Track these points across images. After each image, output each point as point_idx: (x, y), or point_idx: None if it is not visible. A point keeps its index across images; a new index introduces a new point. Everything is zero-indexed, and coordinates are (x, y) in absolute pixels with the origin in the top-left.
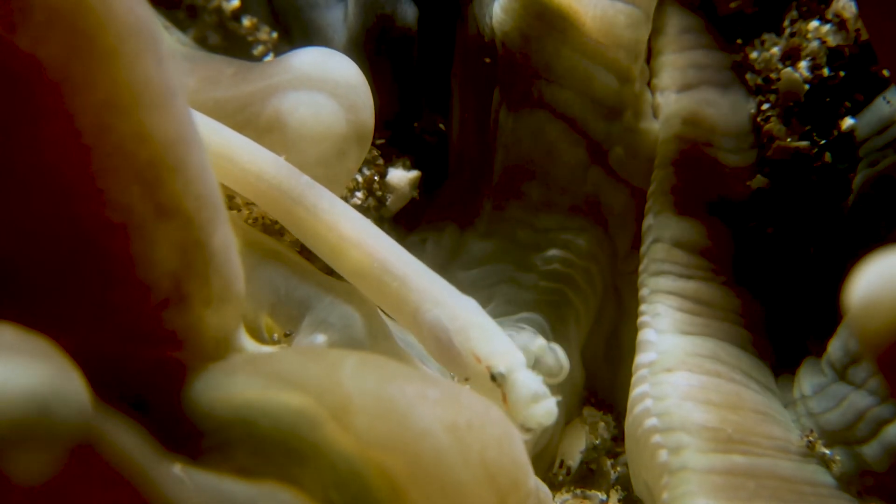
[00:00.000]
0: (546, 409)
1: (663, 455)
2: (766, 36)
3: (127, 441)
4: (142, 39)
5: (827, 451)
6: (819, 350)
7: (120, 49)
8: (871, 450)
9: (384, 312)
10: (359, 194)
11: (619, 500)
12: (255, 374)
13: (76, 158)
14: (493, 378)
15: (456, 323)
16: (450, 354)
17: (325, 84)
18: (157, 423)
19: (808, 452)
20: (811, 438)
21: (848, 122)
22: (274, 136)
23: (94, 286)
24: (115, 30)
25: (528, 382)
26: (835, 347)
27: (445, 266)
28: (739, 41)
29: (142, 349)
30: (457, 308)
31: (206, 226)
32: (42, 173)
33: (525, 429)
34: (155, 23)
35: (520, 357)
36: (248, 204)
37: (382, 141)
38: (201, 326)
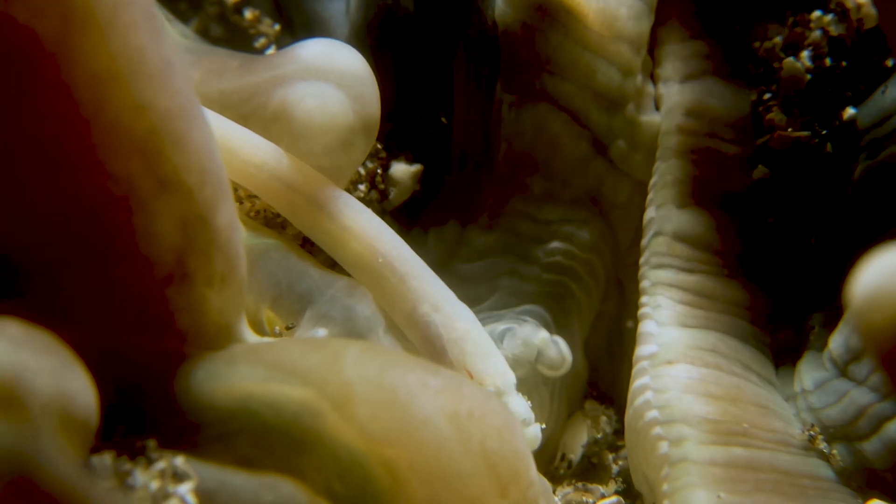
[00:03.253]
0: (531, 435)
1: (664, 447)
2: (768, 25)
3: (63, 467)
4: (137, 11)
5: (825, 448)
6: (820, 343)
7: (114, 21)
8: (871, 446)
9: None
10: (361, 187)
11: (617, 493)
12: (257, 364)
13: (76, 131)
14: None
15: (452, 333)
16: (441, 363)
17: (331, 75)
18: (157, 413)
19: (809, 446)
20: (812, 432)
21: (849, 111)
22: (280, 126)
23: (98, 261)
24: (111, 1)
25: (516, 408)
26: (836, 343)
27: (448, 259)
28: (740, 27)
29: (144, 336)
30: (453, 317)
31: (210, 202)
32: (42, 147)
33: None
34: None
35: (511, 379)
36: (250, 197)
37: (384, 134)
38: (204, 307)
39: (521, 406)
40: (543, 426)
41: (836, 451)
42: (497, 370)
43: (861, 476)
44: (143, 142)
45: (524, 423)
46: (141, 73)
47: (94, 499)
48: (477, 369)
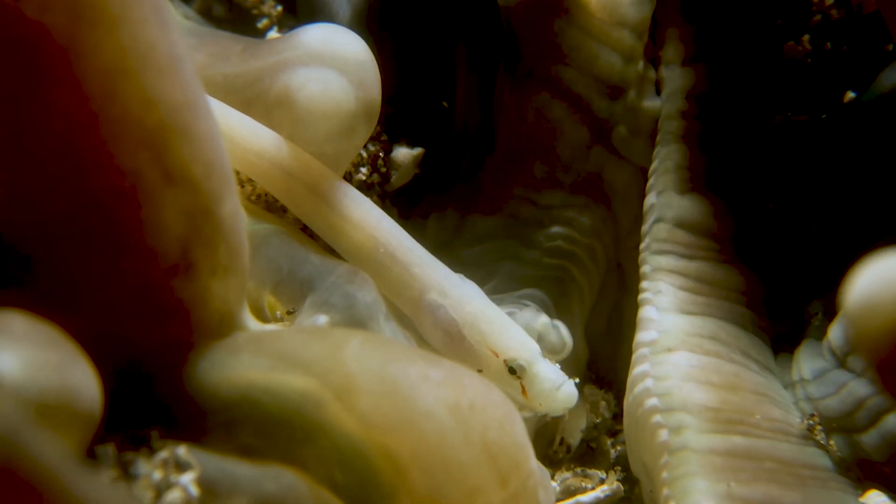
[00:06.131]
0: (568, 394)
1: (664, 435)
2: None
3: (49, 456)
4: (146, 6)
5: (823, 439)
6: (819, 331)
7: (124, 15)
8: (869, 438)
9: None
10: (363, 170)
11: (618, 480)
12: (260, 354)
13: (84, 124)
14: (512, 370)
15: (465, 316)
16: (461, 347)
17: (334, 60)
18: (162, 401)
19: (808, 435)
20: (811, 422)
21: (850, 95)
22: (283, 111)
23: (105, 253)
24: None
25: (548, 374)
26: (835, 335)
27: (449, 243)
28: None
29: (149, 325)
30: (463, 299)
31: (215, 193)
32: (51, 141)
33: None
34: None
35: (535, 347)
36: (251, 180)
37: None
38: (207, 297)
39: (552, 371)
40: (577, 380)
41: (834, 442)
42: (519, 342)
43: (859, 467)
44: (151, 135)
45: (558, 386)
46: (149, 68)
47: (81, 494)
48: (499, 345)
